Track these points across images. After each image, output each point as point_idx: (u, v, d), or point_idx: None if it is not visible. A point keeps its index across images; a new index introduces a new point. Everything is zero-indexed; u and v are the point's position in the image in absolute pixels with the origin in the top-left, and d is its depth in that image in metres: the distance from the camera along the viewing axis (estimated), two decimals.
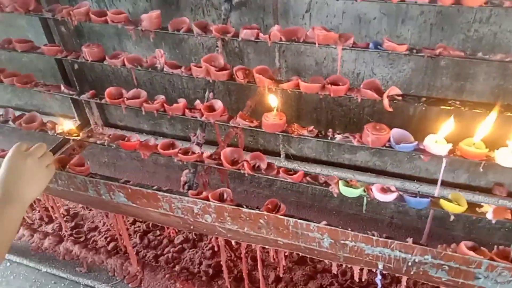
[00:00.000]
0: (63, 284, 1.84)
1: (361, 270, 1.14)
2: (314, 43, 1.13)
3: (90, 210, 2.30)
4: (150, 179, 2.42)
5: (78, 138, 1.26)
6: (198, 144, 1.22)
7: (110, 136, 1.24)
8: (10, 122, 1.32)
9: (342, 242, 0.99)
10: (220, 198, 1.12)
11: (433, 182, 1.85)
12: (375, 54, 1.65)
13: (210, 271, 2.01)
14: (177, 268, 2.08)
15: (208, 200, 1.10)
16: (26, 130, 1.30)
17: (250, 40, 1.19)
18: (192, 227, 1.24)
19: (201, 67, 1.20)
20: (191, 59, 1.95)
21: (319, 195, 2.09)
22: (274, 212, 1.06)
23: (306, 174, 1.09)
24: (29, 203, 1.02)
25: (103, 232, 2.25)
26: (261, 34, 1.16)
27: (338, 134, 1.08)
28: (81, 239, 2.05)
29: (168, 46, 1.96)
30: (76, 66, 2.02)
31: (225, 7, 1.26)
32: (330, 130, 1.10)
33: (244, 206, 1.08)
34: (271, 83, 1.14)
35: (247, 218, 1.07)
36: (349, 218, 2.09)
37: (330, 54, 1.71)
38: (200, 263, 2.12)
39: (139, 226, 2.21)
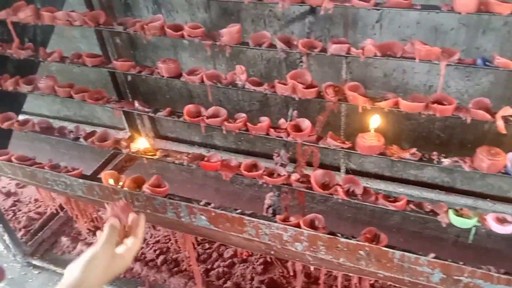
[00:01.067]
0: None
1: None
2: (413, 59, 1.05)
3: None
4: (199, 191, 2.36)
5: (156, 157, 1.20)
6: (282, 165, 1.15)
7: (189, 156, 1.17)
8: (82, 140, 1.27)
9: (456, 277, 0.91)
10: (311, 225, 1.04)
11: (507, 200, 1.74)
12: (452, 66, 1.56)
13: (263, 287, 1.95)
14: (228, 283, 2.02)
15: (299, 227, 1.03)
16: (99, 148, 1.24)
17: (341, 55, 1.11)
18: (273, 253, 1.17)
19: (286, 84, 1.13)
20: (248, 71, 1.89)
21: (379, 212, 2.00)
22: (373, 243, 0.98)
23: (409, 201, 1.01)
24: None
25: (151, 245, 2.19)
26: (353, 49, 1.09)
27: (445, 157, 0.99)
28: None
29: (225, 57, 1.90)
30: (129, 78, 1.97)
31: (309, 19, 1.19)
32: (434, 153, 1.02)
33: (340, 235, 1.00)
34: (366, 101, 1.06)
35: (345, 249, 0.99)
36: (410, 236, 2.00)
37: (401, 66, 1.62)
38: (252, 279, 2.05)
39: None
